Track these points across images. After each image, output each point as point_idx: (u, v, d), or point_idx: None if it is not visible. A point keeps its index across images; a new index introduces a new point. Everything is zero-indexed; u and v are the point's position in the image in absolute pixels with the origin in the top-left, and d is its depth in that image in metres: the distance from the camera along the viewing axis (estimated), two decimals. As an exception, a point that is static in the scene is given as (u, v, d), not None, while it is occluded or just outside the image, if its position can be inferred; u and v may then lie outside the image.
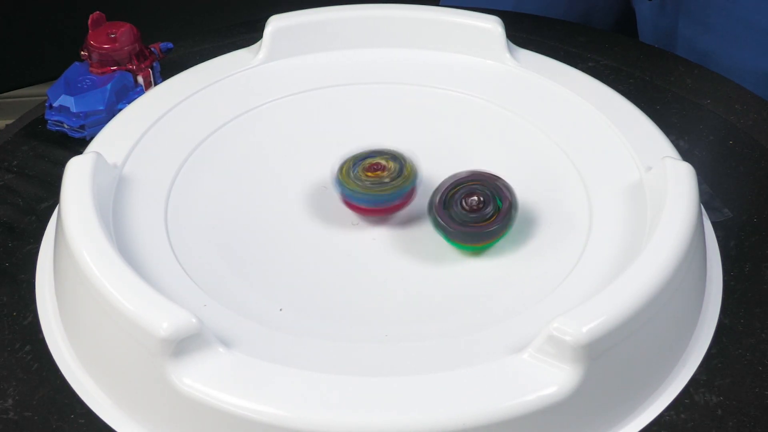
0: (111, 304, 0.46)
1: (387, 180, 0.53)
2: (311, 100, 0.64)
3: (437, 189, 0.53)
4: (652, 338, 0.47)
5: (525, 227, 0.55)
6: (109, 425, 0.47)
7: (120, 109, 0.63)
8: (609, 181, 0.56)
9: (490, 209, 0.52)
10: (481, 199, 0.52)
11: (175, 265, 0.51)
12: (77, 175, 0.53)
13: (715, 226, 0.58)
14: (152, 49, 0.69)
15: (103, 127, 0.60)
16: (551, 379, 0.44)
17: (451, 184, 0.53)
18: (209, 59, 0.66)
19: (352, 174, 0.54)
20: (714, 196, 0.61)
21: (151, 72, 0.68)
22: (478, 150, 0.60)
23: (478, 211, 0.52)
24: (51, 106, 0.65)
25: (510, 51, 0.66)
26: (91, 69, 0.67)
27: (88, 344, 0.50)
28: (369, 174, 0.54)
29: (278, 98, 0.64)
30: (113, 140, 0.58)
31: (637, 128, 0.59)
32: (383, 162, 0.54)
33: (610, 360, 0.45)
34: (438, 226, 0.52)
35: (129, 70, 0.67)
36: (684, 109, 0.68)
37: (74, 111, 0.64)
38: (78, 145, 0.64)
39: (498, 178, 0.53)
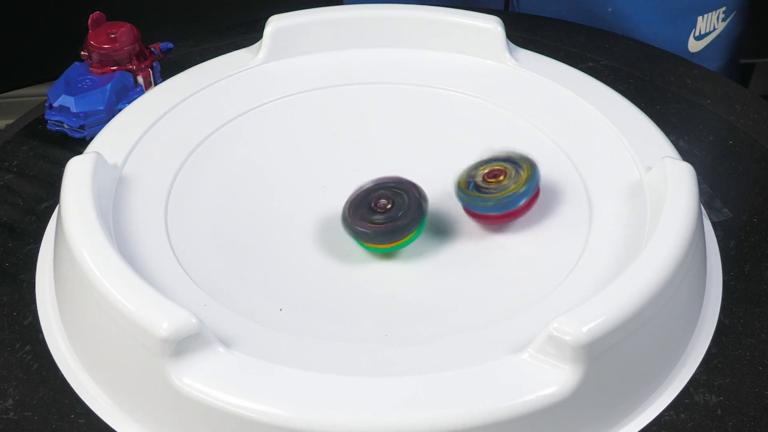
0: (111, 304, 0.46)
1: (508, 183, 0.52)
2: (311, 100, 0.64)
3: (347, 201, 0.53)
4: (652, 338, 0.47)
5: (525, 227, 0.55)
6: (109, 425, 0.47)
7: (120, 109, 0.63)
8: (609, 181, 0.56)
9: (399, 207, 0.52)
10: (389, 200, 0.52)
11: (175, 265, 0.51)
12: (77, 175, 0.53)
13: (715, 226, 0.58)
14: (152, 49, 0.69)
15: (103, 127, 0.60)
16: (551, 379, 0.44)
17: (360, 194, 0.53)
18: (209, 59, 0.66)
19: (472, 184, 0.53)
20: (714, 196, 0.61)
21: (151, 72, 0.68)
22: (477, 150, 0.60)
23: (389, 211, 0.52)
24: (51, 106, 0.65)
25: (510, 51, 0.66)
26: (91, 69, 0.67)
27: (88, 344, 0.50)
28: (490, 180, 0.53)
29: (278, 98, 0.64)
30: (113, 140, 0.58)
31: (637, 128, 0.59)
32: (500, 167, 0.53)
33: (610, 360, 0.45)
34: (355, 233, 0.52)
35: (129, 70, 0.67)
36: (684, 109, 0.68)
37: (74, 111, 0.64)
38: (78, 145, 0.64)
39: (403, 180, 0.53)
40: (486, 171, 0.53)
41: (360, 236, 0.52)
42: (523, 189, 0.52)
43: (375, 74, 0.66)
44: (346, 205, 0.53)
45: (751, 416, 0.48)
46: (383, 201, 0.52)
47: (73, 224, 0.50)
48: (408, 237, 0.52)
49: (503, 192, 0.52)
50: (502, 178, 0.52)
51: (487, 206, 0.52)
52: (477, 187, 0.52)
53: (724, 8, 0.84)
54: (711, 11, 0.83)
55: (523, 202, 0.52)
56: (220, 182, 0.58)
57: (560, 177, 0.58)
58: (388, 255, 0.53)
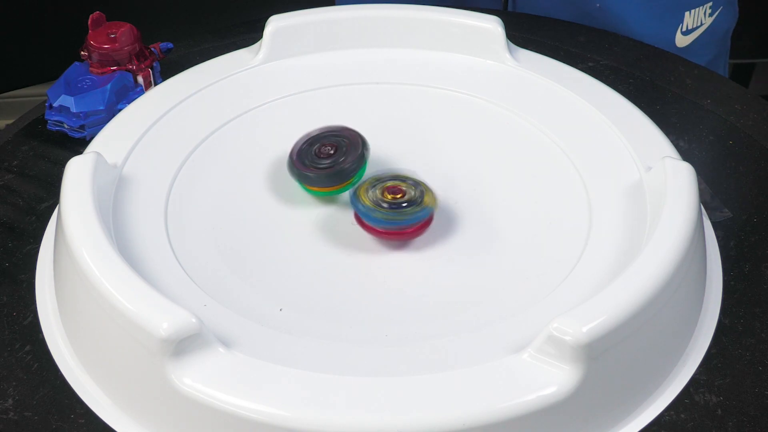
0: (111, 304, 0.46)
1: (404, 205, 0.52)
2: (311, 100, 0.64)
3: (292, 149, 0.56)
4: (652, 338, 0.47)
5: (525, 227, 0.55)
6: (109, 425, 0.47)
7: (120, 109, 0.63)
8: (609, 181, 0.56)
9: (342, 153, 0.55)
10: (332, 146, 0.55)
11: (175, 265, 0.51)
12: (77, 175, 0.53)
13: (715, 226, 0.58)
14: (152, 49, 0.69)
15: (103, 127, 0.60)
16: (551, 379, 0.44)
17: (305, 142, 0.56)
18: (209, 59, 0.67)
19: (370, 193, 0.53)
20: (714, 196, 0.61)
21: (151, 72, 0.68)
22: (478, 150, 0.60)
23: (332, 156, 0.55)
24: (51, 106, 0.65)
25: (510, 51, 0.66)
26: (91, 69, 0.67)
27: (88, 344, 0.50)
28: (388, 196, 0.53)
29: (278, 98, 0.64)
30: (113, 140, 0.58)
31: (637, 128, 0.59)
32: (403, 187, 0.53)
33: (610, 360, 0.45)
34: (300, 177, 0.55)
35: (129, 70, 0.67)
36: (684, 109, 0.68)
37: (74, 111, 0.64)
38: (78, 145, 0.64)
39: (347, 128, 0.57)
40: (388, 186, 0.53)
41: (304, 180, 0.55)
42: (416, 212, 0.52)
43: (375, 74, 0.66)
44: (292, 151, 0.56)
45: (751, 416, 0.48)
46: (327, 148, 0.55)
47: (73, 224, 0.50)
48: (349, 181, 0.55)
49: (397, 210, 0.52)
50: (400, 196, 0.53)
51: (376, 218, 0.52)
52: (375, 199, 0.53)
53: (711, 3, 0.84)
54: (698, 6, 0.84)
55: (411, 224, 0.52)
56: (220, 182, 0.58)
57: (560, 177, 0.58)
58: (331, 199, 0.56)
